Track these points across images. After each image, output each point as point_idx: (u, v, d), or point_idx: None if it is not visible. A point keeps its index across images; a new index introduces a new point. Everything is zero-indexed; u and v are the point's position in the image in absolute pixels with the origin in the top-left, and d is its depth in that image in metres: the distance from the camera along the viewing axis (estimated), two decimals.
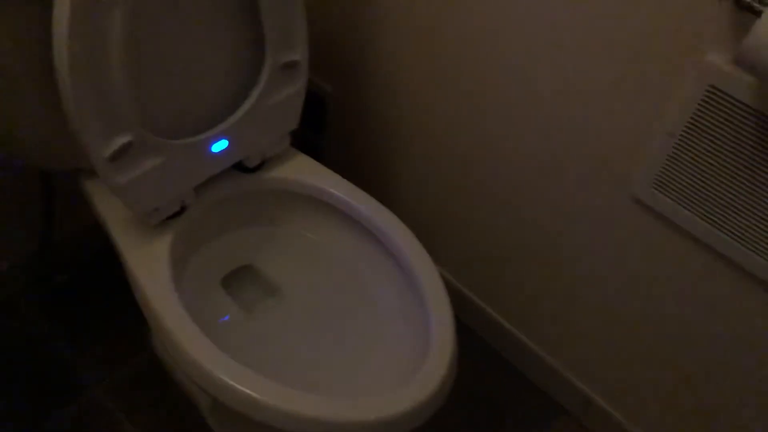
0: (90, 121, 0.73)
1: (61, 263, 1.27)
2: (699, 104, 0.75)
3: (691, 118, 0.76)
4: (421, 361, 0.82)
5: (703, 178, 0.79)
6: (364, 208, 0.97)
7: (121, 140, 0.77)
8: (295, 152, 1.03)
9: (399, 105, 1.14)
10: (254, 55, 0.89)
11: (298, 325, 1.00)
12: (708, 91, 0.73)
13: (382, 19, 1.06)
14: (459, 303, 1.26)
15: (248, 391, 0.75)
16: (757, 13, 0.63)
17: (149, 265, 0.86)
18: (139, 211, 0.86)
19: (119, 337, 1.22)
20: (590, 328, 1.08)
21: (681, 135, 0.78)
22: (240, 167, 0.98)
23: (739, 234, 0.80)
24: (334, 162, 1.32)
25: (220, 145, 0.90)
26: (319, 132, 1.35)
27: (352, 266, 1.04)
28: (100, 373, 1.18)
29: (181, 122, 0.86)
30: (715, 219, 0.81)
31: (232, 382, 0.75)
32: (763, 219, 0.77)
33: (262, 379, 0.76)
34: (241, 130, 0.92)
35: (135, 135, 0.78)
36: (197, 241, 1.01)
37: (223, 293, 1.01)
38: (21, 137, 0.86)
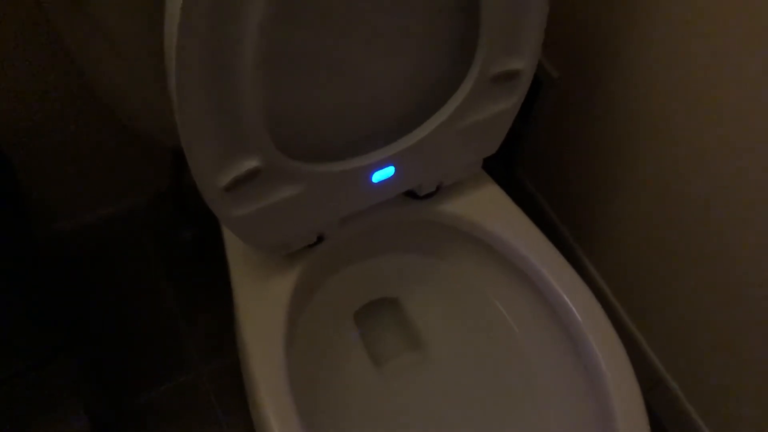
0: (202, 137, 0.49)
1: (189, 216, 1.11)
2: None
3: None
4: None
5: None
6: (559, 285, 0.68)
7: (245, 166, 0.53)
8: (484, 179, 0.74)
9: (637, 124, 0.80)
10: (457, 54, 0.59)
11: (437, 400, 0.76)
12: None
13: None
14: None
15: None
16: None
17: (262, 316, 0.64)
18: (256, 246, 0.63)
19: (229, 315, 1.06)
20: None
21: None
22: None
23: None
24: (533, 158, 1.03)
25: (383, 174, 0.63)
26: (525, 119, 1.03)
27: (519, 336, 0.77)
28: (206, 353, 1.02)
29: (333, 141, 0.60)
30: None
31: None
32: None
33: None
34: (416, 156, 0.64)
35: (265, 159, 0.53)
36: (334, 266, 0.78)
37: (353, 329, 0.80)
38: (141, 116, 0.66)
